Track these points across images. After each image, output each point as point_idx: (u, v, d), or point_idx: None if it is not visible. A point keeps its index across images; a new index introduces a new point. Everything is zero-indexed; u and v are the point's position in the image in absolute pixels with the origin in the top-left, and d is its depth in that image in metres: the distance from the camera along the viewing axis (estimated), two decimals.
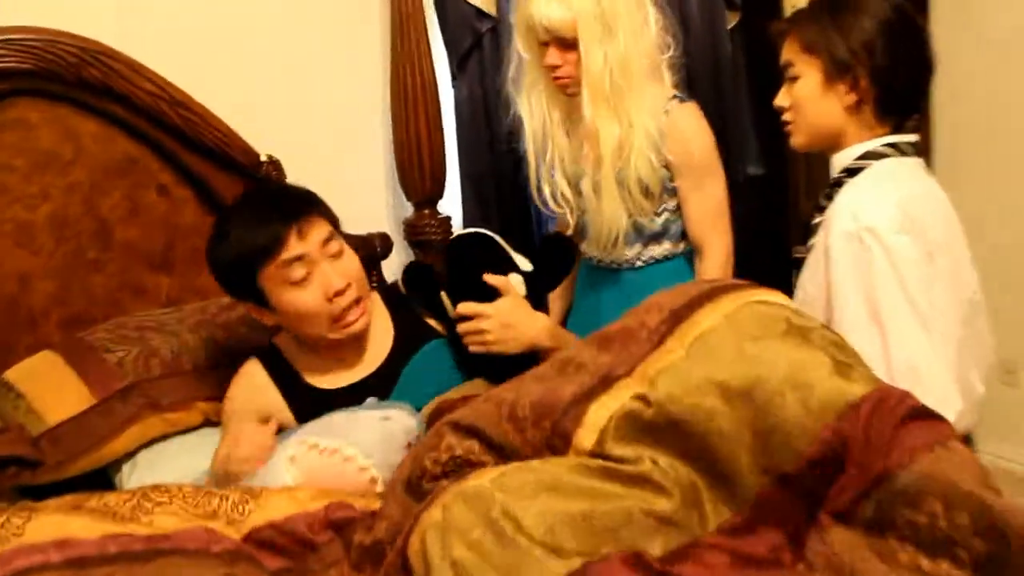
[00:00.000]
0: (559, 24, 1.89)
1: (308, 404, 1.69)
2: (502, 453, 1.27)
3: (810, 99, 1.67)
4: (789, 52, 1.70)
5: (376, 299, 1.83)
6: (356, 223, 2.31)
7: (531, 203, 2.27)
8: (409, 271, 1.84)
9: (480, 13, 2.47)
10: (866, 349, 1.47)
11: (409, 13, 2.21)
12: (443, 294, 1.78)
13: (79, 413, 1.75)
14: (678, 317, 1.30)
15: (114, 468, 1.79)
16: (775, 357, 1.21)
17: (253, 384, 1.75)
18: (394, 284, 1.95)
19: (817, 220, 1.69)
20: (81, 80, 1.91)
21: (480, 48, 2.51)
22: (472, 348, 1.75)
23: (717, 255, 2.05)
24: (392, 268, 2.48)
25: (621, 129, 1.95)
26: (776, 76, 1.76)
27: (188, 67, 2.08)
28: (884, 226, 1.52)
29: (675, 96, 2.00)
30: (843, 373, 1.19)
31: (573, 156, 2.08)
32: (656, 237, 2.08)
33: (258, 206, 1.68)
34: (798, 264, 1.78)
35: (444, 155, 2.34)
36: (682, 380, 1.21)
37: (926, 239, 1.56)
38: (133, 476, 1.77)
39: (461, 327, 1.75)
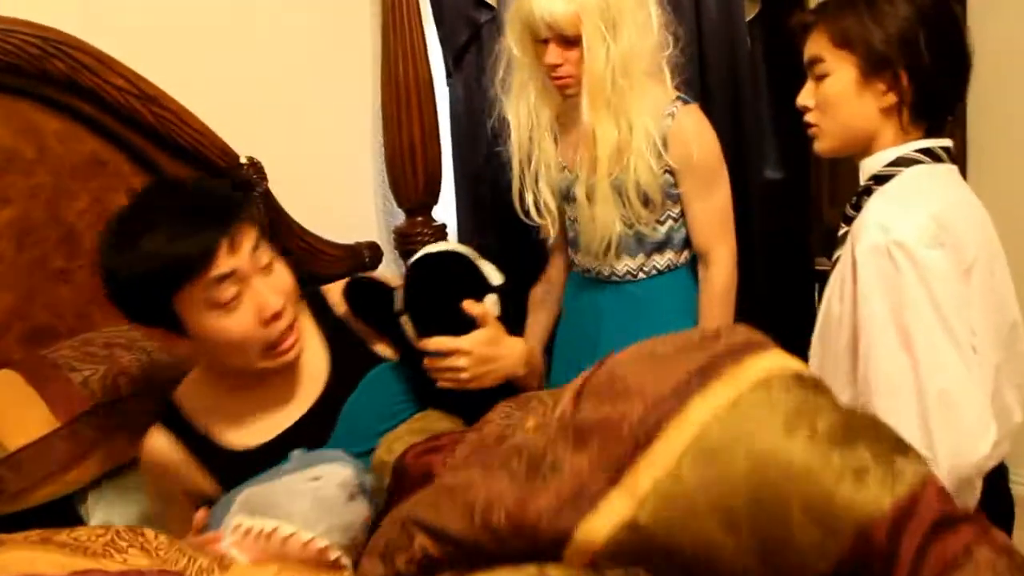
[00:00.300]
0: (562, 19, 1.84)
1: (230, 470, 1.46)
2: (480, 554, 1.16)
3: (842, 99, 1.55)
4: (817, 46, 1.57)
5: (306, 318, 1.58)
6: (343, 231, 2.27)
7: None
8: (355, 288, 1.62)
9: (479, 2, 2.37)
10: (894, 374, 1.41)
11: (402, 4, 2.14)
12: (404, 318, 1.56)
13: (41, 438, 1.65)
14: (665, 411, 1.14)
15: (79, 497, 1.72)
16: (784, 468, 1.06)
17: (165, 463, 1.53)
18: (318, 294, 1.66)
19: (844, 231, 1.59)
20: (44, 74, 1.79)
21: (478, 42, 2.40)
22: (442, 384, 1.54)
23: (724, 264, 2.00)
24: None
25: (620, 132, 1.90)
26: (800, 72, 1.64)
27: (161, 61, 1.97)
28: (915, 240, 1.42)
29: (678, 97, 1.95)
30: (863, 479, 1.06)
31: (560, 163, 2.04)
32: (659, 247, 2.03)
33: (176, 209, 1.39)
34: (820, 276, 1.68)
35: (440, 158, 2.29)
36: (677, 504, 1.08)
37: (962, 255, 1.46)
38: (100, 506, 1.72)
39: (431, 363, 1.54)
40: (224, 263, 1.37)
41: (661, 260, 2.03)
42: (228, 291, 1.38)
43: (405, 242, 2.32)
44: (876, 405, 1.43)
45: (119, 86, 1.86)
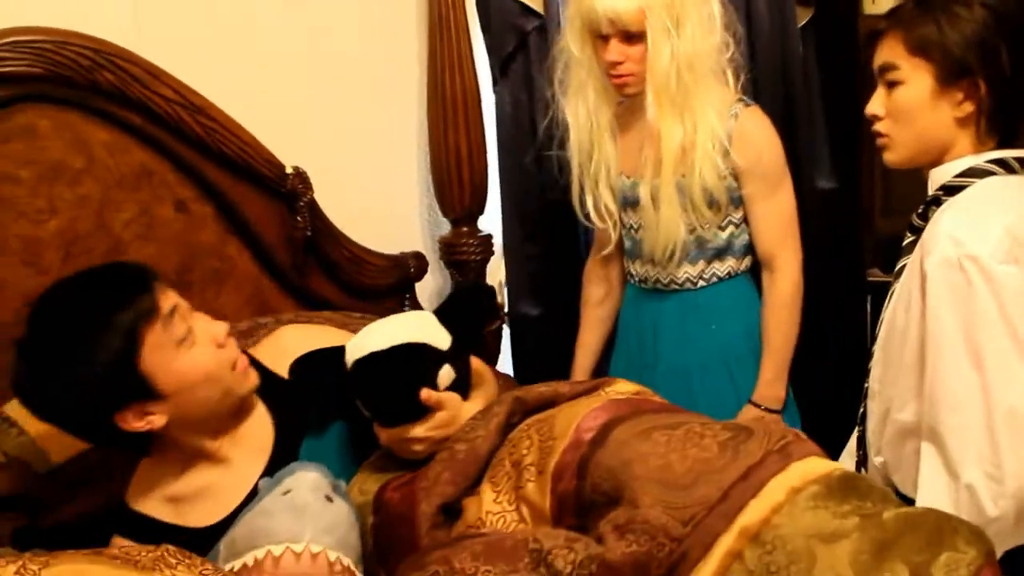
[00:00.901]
0: (626, 15, 1.80)
1: (201, 550, 1.43)
2: None
3: (917, 108, 1.49)
4: (891, 53, 1.51)
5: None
6: (388, 241, 2.25)
7: (578, 222, 2.15)
8: (303, 365, 1.59)
9: (526, 9, 2.32)
10: (963, 391, 1.38)
11: (449, 12, 2.14)
12: (359, 403, 1.57)
13: (81, 451, 1.64)
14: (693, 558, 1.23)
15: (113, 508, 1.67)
16: None
17: None
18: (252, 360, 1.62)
19: (909, 240, 1.54)
20: (94, 85, 1.81)
21: (525, 50, 2.36)
22: (402, 456, 1.57)
23: (790, 272, 1.96)
24: (427, 291, 2.39)
25: (685, 131, 1.86)
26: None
27: (209, 72, 1.98)
28: (989, 254, 1.38)
29: (740, 99, 1.92)
30: None
31: (620, 165, 1.99)
32: (720, 253, 1.98)
33: (97, 290, 1.46)
34: (873, 288, 1.63)
35: (486, 168, 2.27)
36: None
37: None
38: None
39: (388, 444, 1.57)
40: (166, 299, 1.45)
41: (722, 267, 1.99)
42: (180, 326, 1.44)
43: (450, 252, 2.31)
44: (942, 421, 1.40)
45: (168, 97, 1.87)
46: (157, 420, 1.46)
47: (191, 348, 1.45)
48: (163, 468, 1.56)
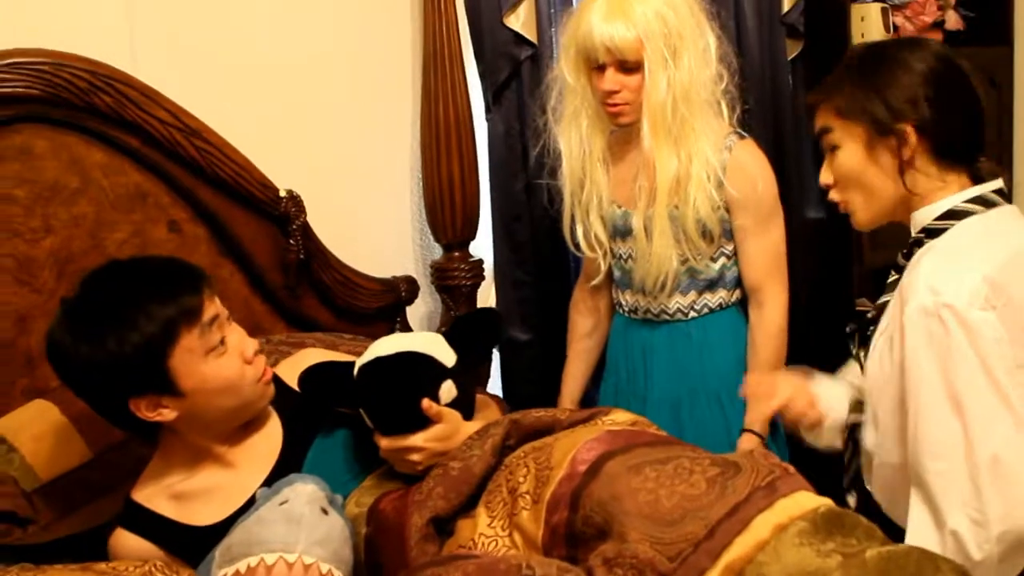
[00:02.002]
0: (623, 44, 1.80)
1: (201, 549, 1.47)
2: None
3: (860, 167, 1.51)
4: (825, 119, 1.55)
5: None
6: (380, 265, 2.26)
7: (568, 248, 2.14)
8: (309, 378, 1.63)
9: (520, 39, 2.34)
10: (945, 438, 1.38)
11: (443, 40, 2.15)
12: (362, 412, 1.60)
13: (74, 468, 1.67)
14: None
15: (111, 528, 1.66)
16: None
17: (133, 559, 1.52)
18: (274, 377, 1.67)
19: (893, 278, 1.55)
20: (91, 107, 1.82)
21: (518, 78, 2.39)
22: (400, 469, 1.59)
23: (777, 305, 1.96)
24: (418, 315, 2.39)
25: (680, 163, 1.85)
26: None
27: (204, 95, 1.99)
28: (966, 303, 1.37)
29: (735, 131, 1.92)
30: None
31: (612, 195, 1.99)
32: (711, 285, 1.98)
33: (152, 278, 1.49)
34: (860, 318, 1.64)
35: (478, 194, 2.27)
36: None
37: (1019, 314, 1.41)
38: None
39: (386, 455, 1.58)
40: (210, 308, 1.48)
41: (713, 298, 1.98)
42: (216, 335, 1.48)
43: (442, 277, 2.31)
44: (926, 468, 1.40)
45: (163, 120, 1.88)
46: (168, 414, 1.48)
47: (219, 357, 1.48)
48: (170, 465, 1.57)
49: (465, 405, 1.62)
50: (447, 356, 1.60)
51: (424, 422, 1.54)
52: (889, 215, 1.55)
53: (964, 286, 1.38)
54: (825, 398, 1.68)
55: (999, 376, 1.37)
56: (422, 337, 1.67)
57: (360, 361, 1.61)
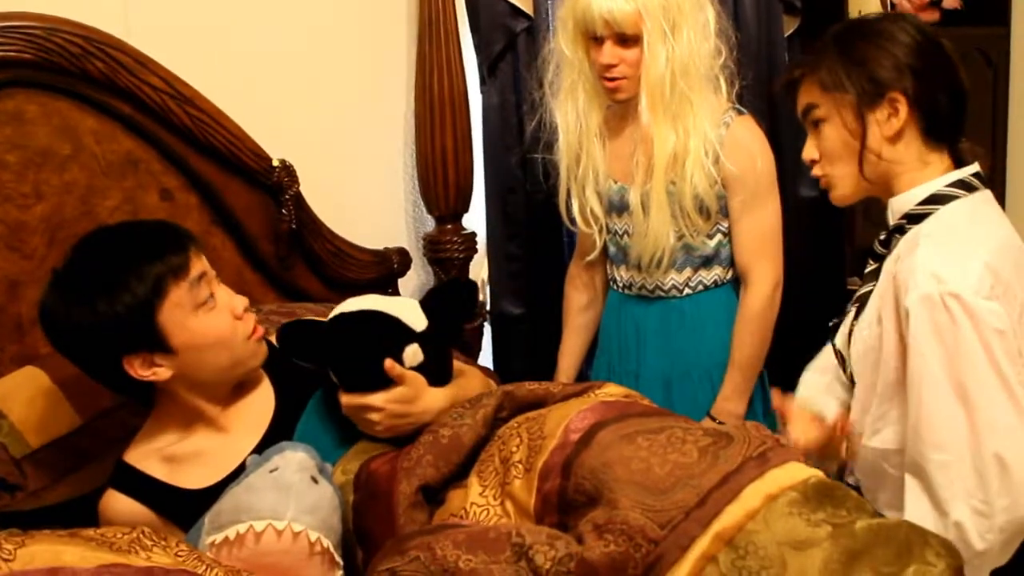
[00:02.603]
0: (621, 17, 1.78)
1: (193, 512, 1.48)
2: None
3: (848, 140, 1.49)
4: (809, 95, 1.53)
5: None
6: (372, 236, 2.26)
7: (562, 223, 2.13)
8: (286, 333, 1.62)
9: (516, 11, 2.32)
10: (949, 429, 1.37)
11: (439, 12, 2.14)
12: (330, 370, 1.60)
13: (63, 435, 1.67)
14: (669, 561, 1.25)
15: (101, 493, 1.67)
16: None
17: (125, 522, 1.52)
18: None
19: (871, 267, 1.54)
20: (84, 73, 1.80)
21: (514, 50, 2.37)
22: (361, 428, 1.60)
23: (763, 284, 1.94)
24: (410, 287, 2.39)
25: (678, 138, 1.84)
26: None
27: (198, 62, 1.97)
28: (972, 291, 1.35)
29: (733, 107, 1.90)
30: None
31: (608, 170, 1.97)
32: (707, 262, 1.97)
33: (140, 240, 1.52)
34: (842, 313, 1.63)
35: (472, 167, 2.27)
36: None
37: (1012, 302, 1.40)
38: None
39: (347, 413, 1.58)
40: (197, 264, 1.51)
41: (708, 275, 1.97)
42: (204, 291, 1.50)
43: (434, 249, 2.31)
44: (929, 458, 1.39)
45: (156, 86, 1.87)
46: (163, 372, 1.50)
47: (209, 312, 1.50)
48: (163, 428, 1.59)
49: (433, 372, 1.62)
50: (418, 321, 1.60)
51: (386, 382, 1.54)
52: (869, 190, 1.54)
53: (969, 273, 1.36)
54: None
55: (1005, 367, 1.36)
56: (396, 301, 1.68)
57: (329, 316, 1.62)
